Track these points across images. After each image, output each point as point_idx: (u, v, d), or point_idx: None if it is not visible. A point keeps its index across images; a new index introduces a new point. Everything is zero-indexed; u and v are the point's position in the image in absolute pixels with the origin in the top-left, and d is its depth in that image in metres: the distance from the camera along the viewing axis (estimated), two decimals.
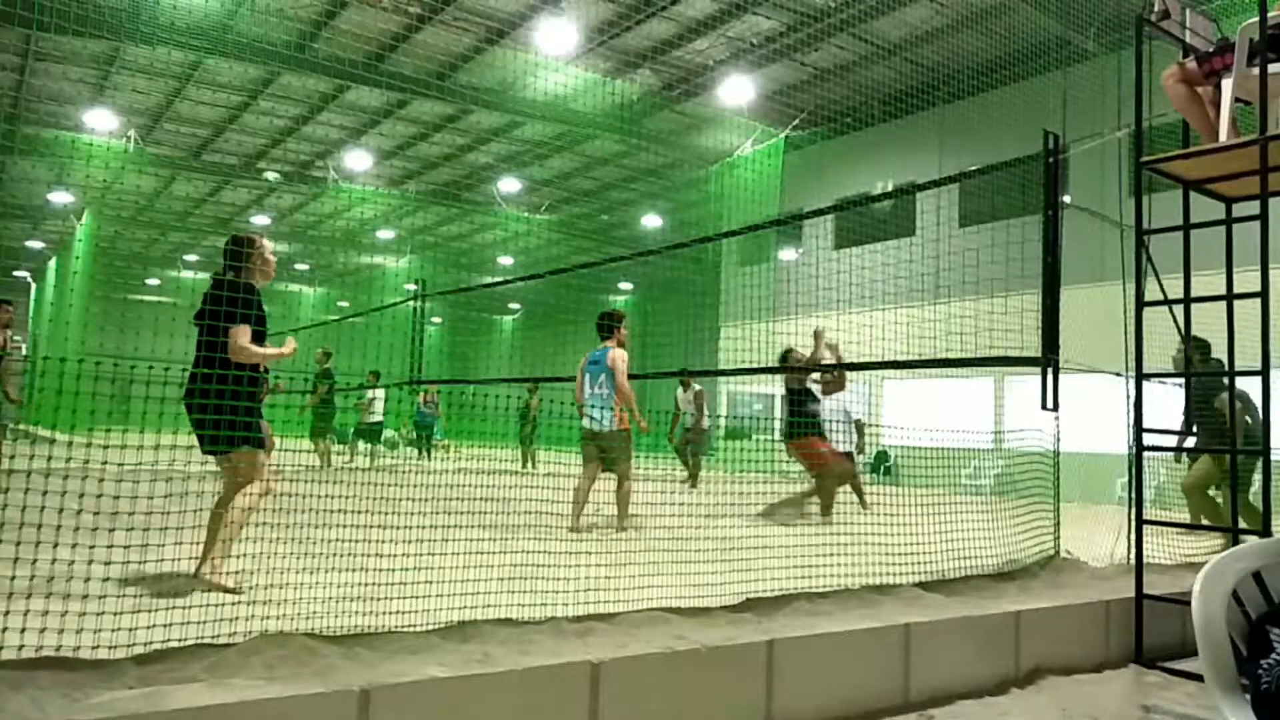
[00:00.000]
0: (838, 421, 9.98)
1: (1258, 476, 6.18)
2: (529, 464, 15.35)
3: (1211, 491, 6.87)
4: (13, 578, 2.95)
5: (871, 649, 3.37)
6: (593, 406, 7.12)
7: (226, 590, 3.81)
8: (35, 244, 30.17)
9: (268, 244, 4.55)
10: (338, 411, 13.32)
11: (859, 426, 10.25)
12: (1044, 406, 4.44)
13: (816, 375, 8.32)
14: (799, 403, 8.25)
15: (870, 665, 3.36)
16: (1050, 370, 4.38)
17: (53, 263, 29.56)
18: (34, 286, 35.71)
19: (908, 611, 3.66)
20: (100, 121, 19.80)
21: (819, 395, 8.44)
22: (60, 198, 24.41)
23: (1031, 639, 3.82)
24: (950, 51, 15.43)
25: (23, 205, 25.69)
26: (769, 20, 14.90)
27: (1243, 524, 4.52)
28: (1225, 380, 6.32)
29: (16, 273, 35.35)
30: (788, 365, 8.01)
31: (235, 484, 4.29)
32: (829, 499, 7.81)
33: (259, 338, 4.33)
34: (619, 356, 7.18)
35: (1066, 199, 6.67)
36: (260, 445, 4.30)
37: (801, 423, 8.06)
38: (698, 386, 12.74)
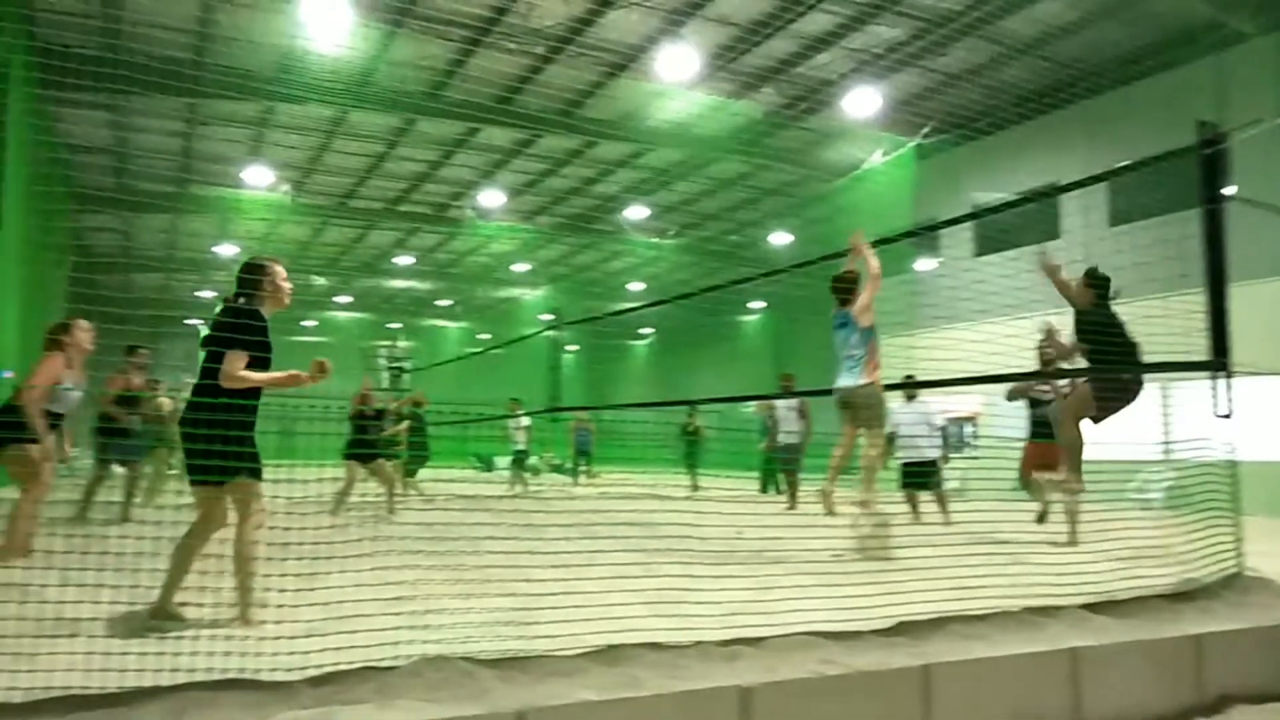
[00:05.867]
0: (920, 435, 9.67)
1: None
2: (697, 488, 15.21)
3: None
4: (200, 605, 3.18)
5: (1036, 674, 3.21)
6: (845, 371, 6.99)
7: (248, 625, 3.61)
8: (205, 294, 32.60)
9: (280, 270, 4.39)
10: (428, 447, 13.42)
11: (944, 435, 9.92)
12: (1217, 413, 4.15)
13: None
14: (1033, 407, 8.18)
15: (1035, 692, 3.20)
16: (1222, 375, 4.09)
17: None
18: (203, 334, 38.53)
19: (1074, 635, 3.47)
20: (257, 177, 21.33)
21: (1040, 397, 8.15)
22: (226, 250, 26.29)
23: (1216, 664, 3.54)
24: (1088, 45, 14.71)
25: (193, 259, 27.82)
26: (891, 30, 14.62)
27: None
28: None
29: (188, 321, 38.28)
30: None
31: (210, 518, 4.01)
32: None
33: (263, 365, 4.13)
34: (861, 306, 6.98)
35: (1230, 190, 6.23)
36: (258, 475, 4.08)
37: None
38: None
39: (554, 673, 2.84)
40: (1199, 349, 4.34)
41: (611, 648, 3.07)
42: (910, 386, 9.47)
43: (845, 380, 6.98)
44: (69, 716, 2.33)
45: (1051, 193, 14.19)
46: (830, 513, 6.66)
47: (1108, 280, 6.48)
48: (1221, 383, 4.13)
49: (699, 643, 3.16)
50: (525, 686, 2.69)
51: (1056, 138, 16.00)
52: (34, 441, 5.79)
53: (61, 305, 17.45)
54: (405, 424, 12.39)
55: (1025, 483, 8.05)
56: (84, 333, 6.28)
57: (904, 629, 3.48)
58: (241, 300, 4.26)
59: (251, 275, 4.29)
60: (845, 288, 7.16)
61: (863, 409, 6.93)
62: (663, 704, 2.66)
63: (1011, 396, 8.15)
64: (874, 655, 3.13)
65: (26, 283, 13.17)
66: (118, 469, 8.67)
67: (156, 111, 17.55)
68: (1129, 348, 6.09)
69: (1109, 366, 6.05)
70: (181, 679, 2.59)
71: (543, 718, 2.50)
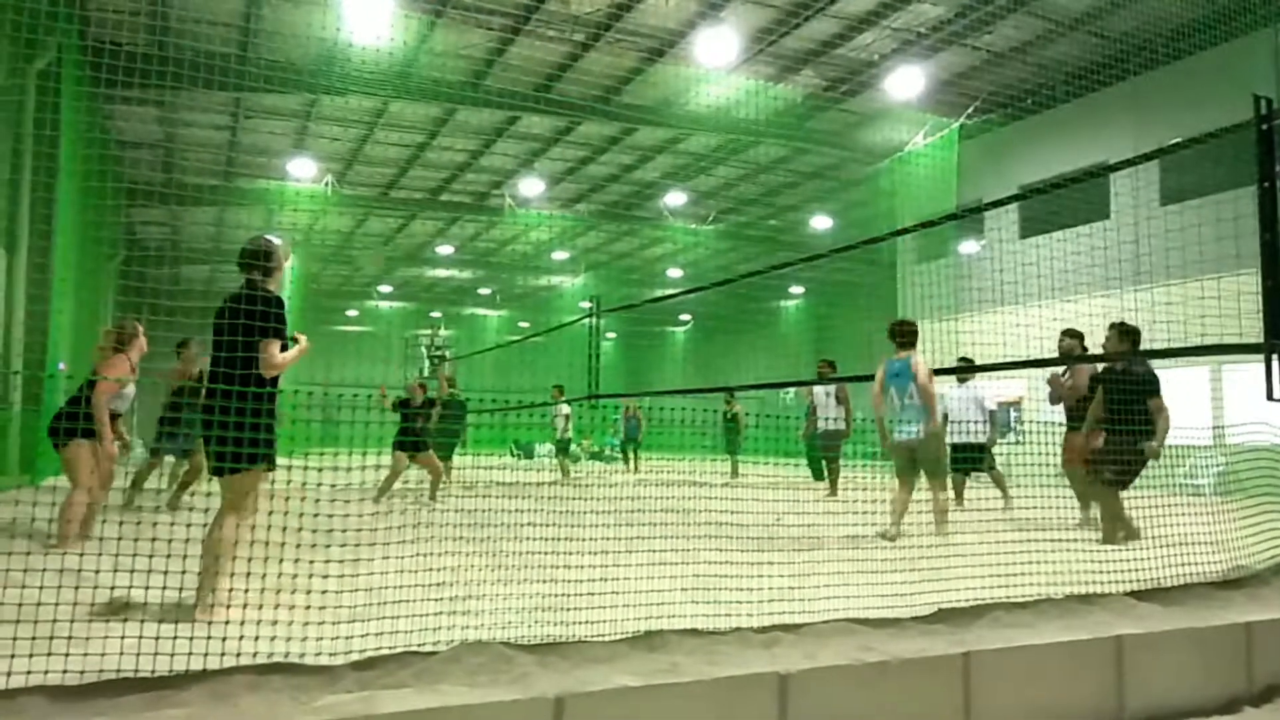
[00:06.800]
0: (970, 421, 9.56)
1: None
2: (736, 474, 15.24)
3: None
4: (246, 590, 3.25)
5: (1080, 663, 3.16)
6: (906, 421, 7.18)
7: (215, 619, 3.52)
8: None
9: (285, 250, 4.38)
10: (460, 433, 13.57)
11: (994, 418, 10.03)
12: (1270, 397, 4.04)
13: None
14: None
15: (1079, 680, 3.15)
16: (1275, 357, 3.97)
17: None
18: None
19: (1119, 623, 3.40)
20: (301, 169, 21.63)
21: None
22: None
23: (1266, 653, 3.46)
24: (1139, 18, 14.32)
25: (240, 251, 28.31)
26: (935, 8, 14.36)
27: None
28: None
29: None
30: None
31: (228, 503, 4.03)
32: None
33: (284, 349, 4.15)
34: (923, 363, 7.24)
35: None
36: (272, 466, 4.04)
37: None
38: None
39: (593, 658, 2.86)
40: (1252, 331, 4.23)
41: (650, 633, 3.08)
42: (961, 371, 9.38)
43: (907, 431, 7.15)
44: (120, 699, 2.40)
45: (1100, 172, 13.87)
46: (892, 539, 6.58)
47: (1138, 332, 6.56)
48: (1275, 366, 4.01)
49: (738, 629, 3.16)
50: (564, 671, 2.71)
51: (1105, 115, 15.63)
52: (90, 435, 5.94)
53: (112, 298, 17.86)
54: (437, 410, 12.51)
55: (1068, 472, 7.92)
56: (142, 337, 6.46)
57: (945, 616, 3.44)
58: (256, 284, 4.21)
59: (262, 259, 4.25)
60: (906, 330, 7.35)
61: (925, 458, 7.10)
62: (701, 690, 2.66)
63: (1055, 400, 8.04)
64: (914, 642, 3.11)
65: (78, 277, 13.50)
66: (169, 458, 8.88)
67: (203, 106, 17.87)
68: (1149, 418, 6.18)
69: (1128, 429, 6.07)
70: (228, 662, 2.66)
71: (581, 703, 2.51)
